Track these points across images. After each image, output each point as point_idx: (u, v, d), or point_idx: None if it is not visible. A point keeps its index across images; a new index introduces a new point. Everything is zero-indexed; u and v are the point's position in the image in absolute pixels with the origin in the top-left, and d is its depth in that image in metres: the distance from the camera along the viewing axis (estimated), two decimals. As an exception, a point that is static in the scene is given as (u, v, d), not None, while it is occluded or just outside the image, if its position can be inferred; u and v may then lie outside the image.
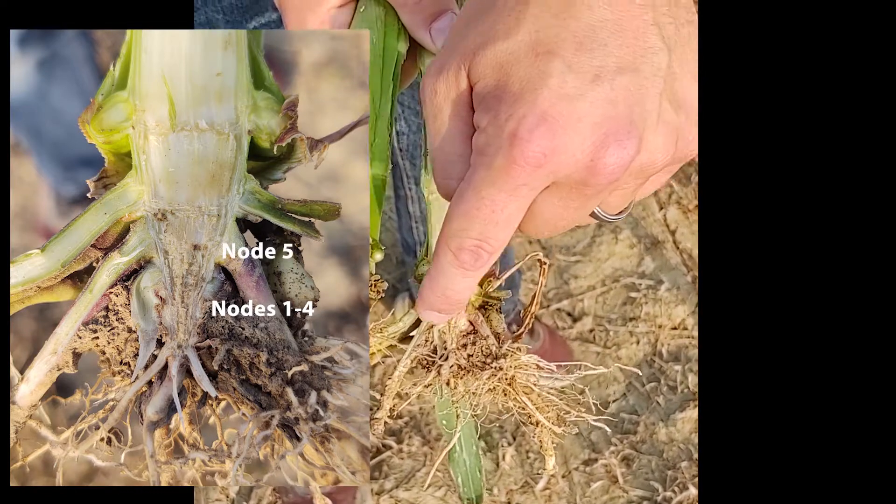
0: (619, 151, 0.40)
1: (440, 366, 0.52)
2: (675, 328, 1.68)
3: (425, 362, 0.53)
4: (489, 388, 0.52)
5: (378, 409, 0.53)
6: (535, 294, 0.53)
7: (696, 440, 1.53)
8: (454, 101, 0.44)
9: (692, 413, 1.55)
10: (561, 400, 0.54)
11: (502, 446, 1.53)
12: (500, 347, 0.52)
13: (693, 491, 1.46)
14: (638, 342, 1.66)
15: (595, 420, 0.54)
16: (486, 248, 0.44)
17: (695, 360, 1.63)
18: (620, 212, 0.47)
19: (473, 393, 0.52)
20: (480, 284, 0.53)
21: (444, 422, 0.56)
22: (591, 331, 1.69)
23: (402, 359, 0.53)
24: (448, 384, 0.52)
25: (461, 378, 0.52)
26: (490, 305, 0.53)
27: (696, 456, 1.51)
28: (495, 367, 0.52)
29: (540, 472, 1.50)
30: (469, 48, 0.43)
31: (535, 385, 0.53)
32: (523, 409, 0.53)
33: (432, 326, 0.53)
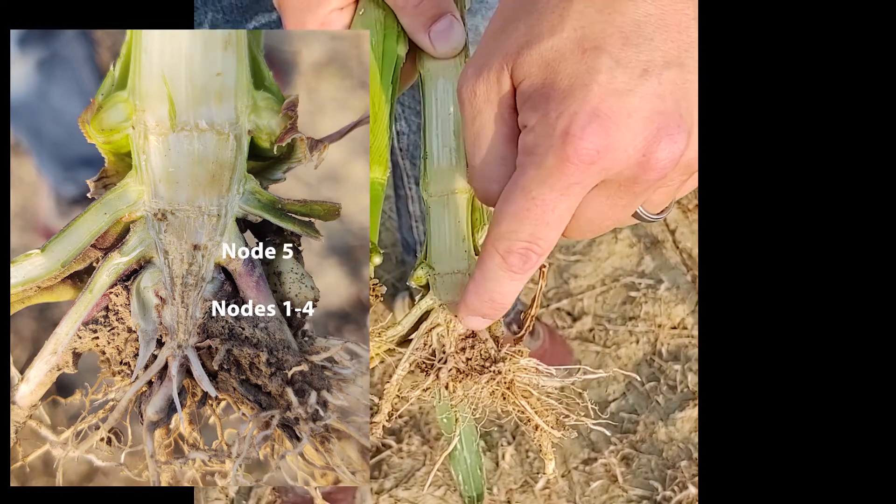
0: (671, 146, 0.40)
1: (439, 369, 0.52)
2: (674, 327, 1.68)
3: (424, 366, 0.53)
4: (488, 392, 0.52)
5: (377, 412, 0.53)
6: (535, 296, 0.53)
7: (696, 439, 1.53)
8: (496, 102, 0.44)
9: (692, 412, 1.55)
10: (560, 403, 0.54)
11: (502, 445, 1.53)
12: (499, 351, 0.52)
13: (692, 490, 1.46)
14: (637, 341, 1.66)
15: (594, 423, 0.54)
16: (535, 251, 0.43)
17: (694, 359, 1.63)
18: (661, 211, 0.47)
19: (472, 396, 0.52)
20: None
21: (444, 420, 0.56)
22: (591, 330, 1.69)
23: (400, 362, 0.53)
24: (447, 388, 0.52)
25: (460, 382, 0.52)
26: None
27: (695, 455, 1.51)
28: (494, 371, 0.52)
29: (539, 471, 1.50)
30: (512, 48, 0.42)
31: (534, 389, 0.53)
32: (522, 412, 0.53)
33: (431, 329, 0.52)
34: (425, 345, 0.52)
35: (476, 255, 0.53)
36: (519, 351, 0.53)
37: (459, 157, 0.53)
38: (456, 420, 0.54)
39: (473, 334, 0.52)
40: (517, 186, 0.42)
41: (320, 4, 0.53)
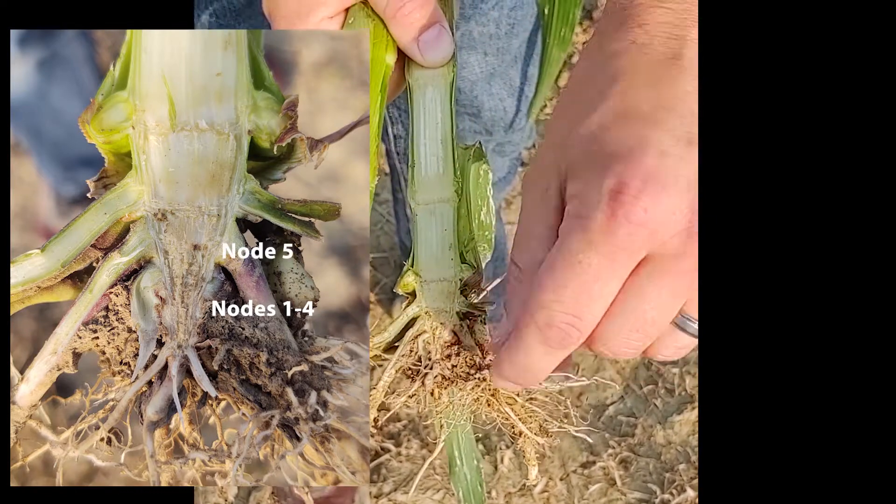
0: None
1: (425, 375, 0.52)
2: (673, 330, 1.68)
3: (410, 372, 0.53)
4: (473, 399, 0.52)
5: None
6: None
7: (694, 443, 1.53)
8: (544, 185, 0.43)
9: (690, 415, 1.55)
10: (552, 408, 0.54)
11: (500, 449, 1.53)
12: (484, 358, 0.52)
13: (691, 493, 1.46)
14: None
15: (577, 431, 0.54)
16: (577, 326, 0.41)
17: (692, 362, 1.63)
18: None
19: (457, 403, 0.52)
20: (465, 295, 0.53)
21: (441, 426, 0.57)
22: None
23: (386, 368, 0.53)
24: (432, 394, 0.52)
25: (445, 388, 0.52)
26: (474, 316, 0.53)
27: (693, 458, 1.51)
28: (479, 378, 0.52)
29: (539, 476, 1.50)
30: (562, 133, 0.43)
31: (518, 396, 0.53)
32: (506, 419, 0.53)
33: (417, 336, 0.53)
34: (411, 351, 0.53)
35: (463, 262, 0.53)
36: None
37: (447, 165, 0.53)
38: (441, 426, 0.54)
39: (459, 341, 0.52)
40: (560, 252, 0.41)
41: (310, 13, 0.53)
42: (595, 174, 0.40)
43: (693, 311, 0.44)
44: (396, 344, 0.54)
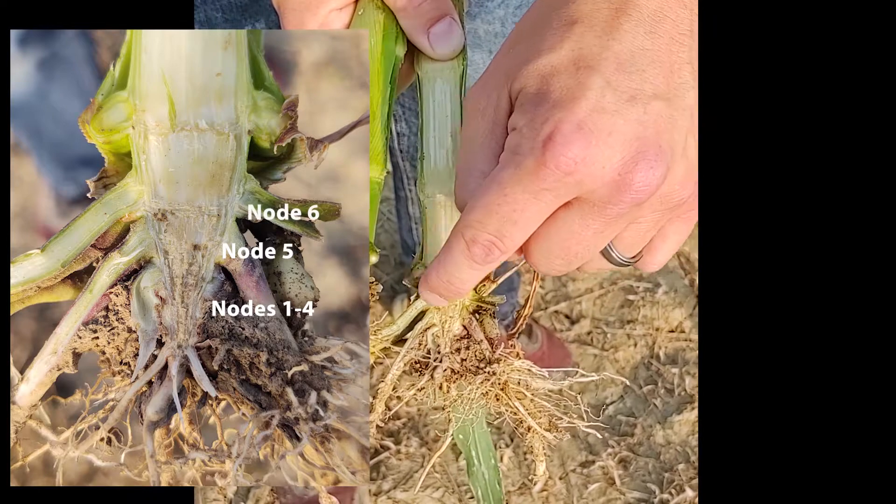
0: (648, 172, 0.41)
1: (434, 368, 0.52)
2: (672, 331, 1.68)
3: (418, 365, 0.53)
4: (482, 393, 0.52)
5: (371, 411, 0.54)
6: (528, 296, 0.54)
7: (693, 442, 1.53)
8: (491, 117, 0.45)
9: (689, 415, 1.55)
10: (554, 405, 0.54)
11: (500, 448, 1.53)
12: (494, 352, 0.52)
13: (690, 493, 1.46)
14: (635, 345, 1.66)
15: (587, 426, 0.54)
16: (499, 246, 0.44)
17: (692, 362, 1.63)
18: (633, 256, 0.47)
19: (466, 397, 0.52)
20: (475, 289, 0.53)
21: (460, 436, 0.56)
22: (589, 333, 1.69)
23: (395, 361, 0.53)
24: (441, 388, 0.52)
25: (454, 382, 0.52)
26: (484, 310, 0.53)
27: (693, 458, 1.51)
28: (488, 372, 0.52)
29: (546, 471, 1.49)
30: (513, 65, 0.44)
31: (527, 390, 0.53)
32: (515, 414, 0.53)
33: (426, 330, 0.53)
34: (420, 344, 0.53)
35: None
36: (513, 353, 0.53)
37: (456, 158, 0.53)
38: (449, 420, 0.54)
39: (468, 335, 0.52)
40: (494, 181, 0.43)
41: (320, 5, 0.53)
42: (538, 115, 0.42)
43: (621, 245, 0.47)
44: (406, 337, 0.53)
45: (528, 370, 0.53)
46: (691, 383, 1.60)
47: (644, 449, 1.54)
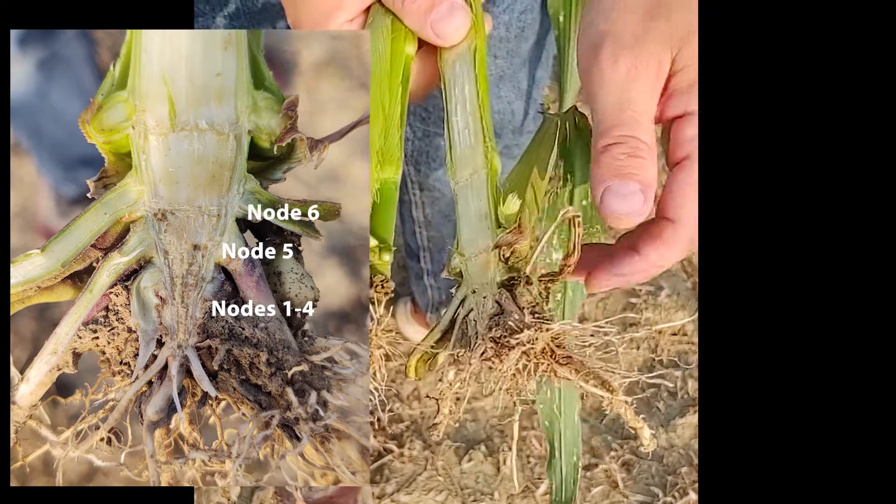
0: None
1: (470, 358, 0.50)
2: (674, 334, 1.68)
3: (458, 356, 0.51)
4: (520, 368, 0.49)
5: (436, 412, 0.52)
6: (573, 243, 0.51)
7: (696, 445, 1.53)
8: (657, 61, 0.49)
9: (692, 418, 1.55)
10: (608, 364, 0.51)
11: (503, 451, 1.53)
12: (523, 319, 0.49)
13: (693, 496, 1.46)
14: (638, 347, 1.66)
15: (650, 378, 0.52)
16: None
17: (694, 365, 1.63)
18: None
19: (504, 376, 0.49)
20: (505, 260, 0.51)
21: (546, 423, 0.54)
22: (592, 335, 1.69)
23: (446, 360, 0.51)
24: (479, 377, 0.50)
25: (495, 365, 0.49)
26: (515, 280, 0.51)
27: (696, 461, 1.51)
28: (521, 342, 0.48)
29: (540, 476, 1.49)
30: (677, 34, 0.48)
31: (574, 353, 0.49)
32: (569, 381, 0.50)
33: (467, 316, 0.51)
34: (464, 334, 0.51)
35: (499, 228, 0.52)
36: (545, 316, 0.50)
37: (477, 135, 0.53)
38: (514, 404, 0.51)
39: (501, 311, 0.50)
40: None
41: (330, 17, 0.53)
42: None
43: None
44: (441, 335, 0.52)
45: (567, 332, 0.50)
46: (693, 386, 1.59)
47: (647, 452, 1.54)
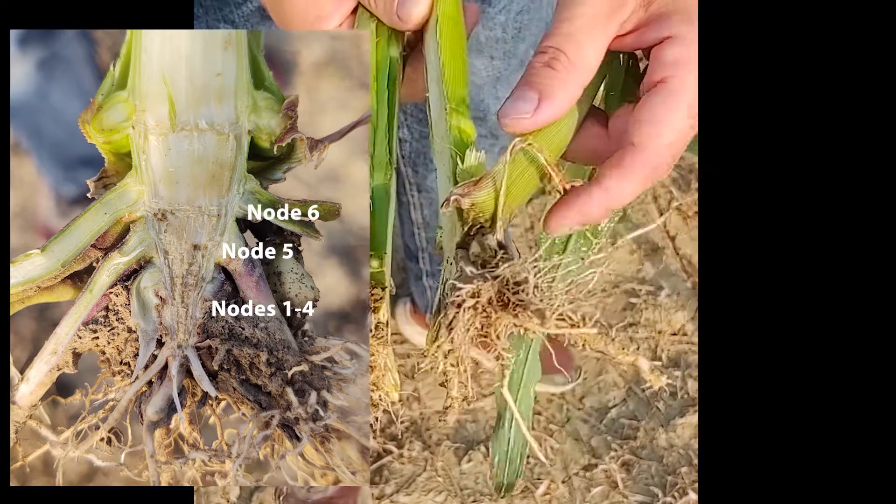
0: None
1: (440, 331, 0.46)
2: (674, 334, 1.68)
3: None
4: (478, 327, 0.45)
5: (448, 406, 0.48)
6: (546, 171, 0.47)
7: (696, 445, 1.53)
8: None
9: (692, 418, 1.55)
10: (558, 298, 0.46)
11: (503, 451, 1.53)
12: (462, 277, 0.45)
13: (693, 496, 1.46)
14: (638, 348, 1.66)
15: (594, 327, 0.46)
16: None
17: (694, 365, 1.63)
18: None
19: (463, 337, 0.45)
20: (469, 218, 0.47)
21: (502, 390, 0.50)
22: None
23: (440, 350, 0.48)
24: (450, 354, 0.46)
25: (457, 335, 0.45)
26: (471, 234, 0.47)
27: (696, 461, 1.51)
28: (464, 297, 0.44)
29: (540, 477, 1.49)
30: None
31: (534, 298, 0.45)
32: (525, 329, 0.45)
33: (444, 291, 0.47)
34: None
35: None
36: (493, 264, 0.45)
37: (443, 101, 0.51)
38: (503, 368, 0.47)
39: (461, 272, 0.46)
40: (681, 107, 0.45)
41: (314, 26, 0.53)
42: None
43: None
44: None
45: (515, 275, 0.45)
46: (694, 386, 1.59)
47: (647, 452, 1.54)
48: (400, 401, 0.48)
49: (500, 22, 0.98)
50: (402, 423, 1.57)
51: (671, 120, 0.45)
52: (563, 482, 1.50)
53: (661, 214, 1.83)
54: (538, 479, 1.50)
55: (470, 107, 0.51)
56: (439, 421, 1.55)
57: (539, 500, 1.48)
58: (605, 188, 0.46)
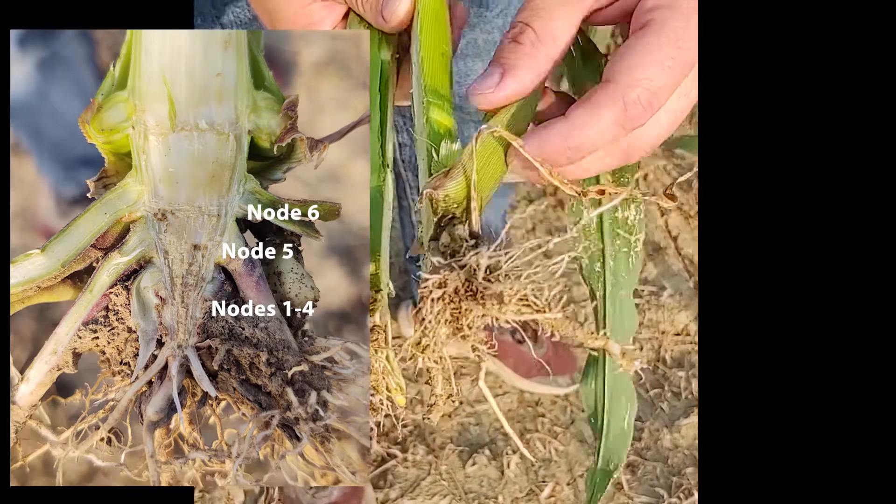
0: None
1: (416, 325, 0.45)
2: (678, 334, 1.68)
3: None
4: (448, 318, 0.44)
5: (433, 404, 0.47)
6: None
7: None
8: None
9: (696, 419, 1.55)
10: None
11: (507, 454, 1.53)
12: (435, 265, 0.44)
13: (698, 497, 1.46)
14: (641, 348, 1.66)
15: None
16: (654, 104, 0.43)
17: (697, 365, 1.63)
18: None
19: (438, 337, 0.44)
20: (441, 210, 0.46)
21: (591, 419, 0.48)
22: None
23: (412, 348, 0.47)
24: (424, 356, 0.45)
25: (428, 328, 0.44)
26: (442, 225, 0.46)
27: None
28: (430, 288, 0.43)
29: (544, 480, 1.49)
30: None
31: (501, 285, 0.43)
32: (495, 318, 0.44)
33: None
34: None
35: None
36: (461, 254, 0.44)
37: (421, 95, 0.50)
38: (479, 360, 0.46)
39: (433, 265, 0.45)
40: (658, 41, 0.43)
41: (313, 27, 0.53)
42: None
43: None
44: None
45: (482, 266, 0.43)
46: (697, 386, 1.59)
47: (652, 453, 1.54)
48: (405, 407, 0.48)
49: (497, 26, 0.98)
50: (406, 427, 1.57)
51: (646, 54, 0.44)
52: (567, 484, 1.50)
53: (663, 215, 1.83)
54: (543, 481, 1.50)
55: (449, 100, 0.50)
56: (423, 419, 1.54)
57: (544, 502, 1.48)
58: (570, 121, 0.44)
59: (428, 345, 0.45)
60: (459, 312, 0.44)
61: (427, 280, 0.44)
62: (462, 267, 0.44)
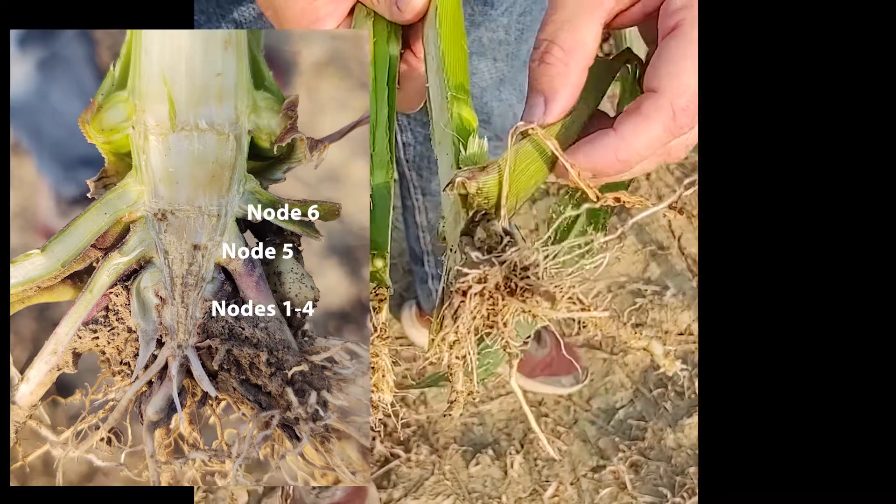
0: None
1: (445, 319, 0.44)
2: (681, 334, 1.68)
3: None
4: (484, 314, 0.44)
5: (453, 401, 0.46)
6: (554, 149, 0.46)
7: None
8: None
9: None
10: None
11: (510, 454, 1.53)
12: (467, 263, 0.44)
13: (703, 497, 1.46)
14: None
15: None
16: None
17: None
18: None
19: (469, 327, 0.43)
20: (473, 204, 0.46)
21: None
22: (598, 337, 1.69)
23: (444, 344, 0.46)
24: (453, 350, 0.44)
25: (462, 324, 0.44)
26: (476, 220, 0.45)
27: (703, 461, 1.51)
28: (469, 283, 0.43)
29: (548, 479, 1.49)
30: None
31: (543, 282, 0.43)
32: (534, 315, 0.44)
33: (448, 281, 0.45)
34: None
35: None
36: (500, 249, 0.44)
37: (444, 91, 0.50)
38: (511, 357, 0.45)
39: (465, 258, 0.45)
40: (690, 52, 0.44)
41: (315, 26, 0.53)
42: None
43: None
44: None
45: (524, 260, 0.43)
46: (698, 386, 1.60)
47: (655, 453, 1.54)
48: (399, 404, 0.47)
49: (502, 24, 0.98)
50: (409, 427, 1.57)
51: (688, 59, 0.44)
52: (571, 484, 1.50)
53: (666, 214, 1.83)
54: (546, 481, 1.50)
55: (471, 95, 0.51)
56: (443, 415, 1.55)
57: (548, 502, 1.48)
58: (620, 134, 0.44)
59: (455, 340, 0.44)
60: (495, 309, 0.44)
61: (467, 275, 0.43)
62: (502, 263, 0.43)
